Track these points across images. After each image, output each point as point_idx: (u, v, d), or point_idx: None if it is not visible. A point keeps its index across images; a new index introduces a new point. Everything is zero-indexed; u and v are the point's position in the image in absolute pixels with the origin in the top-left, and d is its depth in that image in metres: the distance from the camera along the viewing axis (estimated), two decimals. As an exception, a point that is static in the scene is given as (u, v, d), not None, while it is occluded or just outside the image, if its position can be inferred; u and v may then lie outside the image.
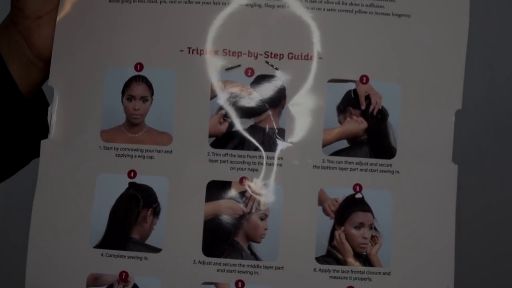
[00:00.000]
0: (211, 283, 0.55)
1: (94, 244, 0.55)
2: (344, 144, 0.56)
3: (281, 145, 0.55)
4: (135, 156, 0.56)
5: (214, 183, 0.55)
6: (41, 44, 0.56)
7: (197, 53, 0.56)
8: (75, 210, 0.56)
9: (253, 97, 0.56)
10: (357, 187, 0.56)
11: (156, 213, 0.55)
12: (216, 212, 0.55)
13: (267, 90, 0.56)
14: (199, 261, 0.55)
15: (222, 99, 0.56)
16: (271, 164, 0.55)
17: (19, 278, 0.56)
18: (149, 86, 0.56)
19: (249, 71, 0.56)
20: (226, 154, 0.55)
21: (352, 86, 0.56)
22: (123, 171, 0.56)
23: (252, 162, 0.55)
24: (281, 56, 0.56)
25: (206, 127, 0.56)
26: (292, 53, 0.56)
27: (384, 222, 0.55)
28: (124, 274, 0.55)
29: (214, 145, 0.56)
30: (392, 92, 0.56)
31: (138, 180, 0.56)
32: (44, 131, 0.57)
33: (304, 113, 0.56)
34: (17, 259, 0.59)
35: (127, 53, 0.56)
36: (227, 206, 0.55)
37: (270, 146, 0.55)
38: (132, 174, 0.56)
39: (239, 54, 0.56)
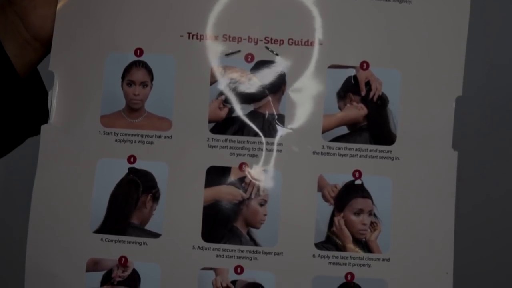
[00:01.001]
0: (210, 269, 0.55)
1: (93, 229, 0.55)
2: (344, 130, 0.56)
3: (280, 131, 0.55)
4: (135, 142, 0.56)
5: (214, 169, 0.55)
6: (38, 25, 0.56)
7: (197, 38, 0.56)
8: (75, 195, 0.56)
9: (253, 83, 0.56)
10: (357, 173, 0.55)
11: (155, 198, 0.55)
12: (216, 198, 0.55)
13: (267, 75, 0.56)
14: (199, 246, 0.55)
15: (222, 84, 0.56)
16: (271, 150, 0.55)
17: (19, 262, 0.56)
18: (149, 71, 0.56)
19: (249, 57, 0.56)
20: (226, 140, 0.55)
21: (352, 72, 0.56)
22: (123, 156, 0.56)
23: (252, 148, 0.55)
24: (281, 42, 0.56)
25: (206, 113, 0.56)
26: (292, 39, 0.56)
27: (383, 208, 0.55)
28: (123, 259, 0.55)
29: (213, 130, 0.56)
30: (392, 78, 0.56)
31: (138, 165, 0.56)
32: (38, 111, 0.57)
33: (304, 99, 0.56)
34: (18, 244, 0.59)
35: (128, 38, 0.56)
36: (227, 192, 0.55)
37: (269, 132, 0.55)
38: (131, 159, 0.56)
39: (239, 39, 0.56)
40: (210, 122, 0.56)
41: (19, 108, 0.59)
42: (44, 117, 0.57)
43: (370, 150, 0.55)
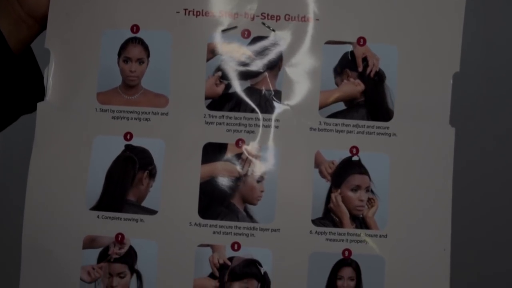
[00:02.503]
0: (207, 245, 0.55)
1: (90, 206, 0.55)
2: (341, 106, 0.56)
3: (277, 107, 0.55)
4: (131, 118, 0.56)
5: (210, 145, 0.55)
6: (32, 1, 0.56)
7: (193, 14, 0.55)
8: (71, 172, 0.56)
9: (250, 59, 0.55)
10: (354, 150, 0.55)
11: (152, 175, 0.55)
12: (212, 174, 0.55)
13: (263, 51, 0.55)
14: (195, 223, 0.55)
15: (218, 60, 0.55)
16: (268, 126, 0.55)
17: (16, 240, 0.56)
18: (145, 48, 0.56)
19: (245, 33, 0.56)
20: (223, 116, 0.55)
21: (349, 48, 0.56)
22: (119, 133, 0.56)
23: (249, 124, 0.55)
24: (278, 18, 0.55)
25: (202, 89, 0.55)
26: (288, 15, 0.55)
27: (380, 184, 0.55)
28: (120, 236, 0.55)
29: (210, 107, 0.55)
30: (389, 54, 0.56)
31: (134, 142, 0.56)
32: (31, 88, 0.56)
33: (301, 75, 0.55)
34: (14, 222, 0.59)
35: (123, 15, 0.56)
36: (223, 168, 0.55)
37: (266, 108, 0.55)
38: (128, 136, 0.56)
39: (236, 15, 0.55)
40: (206, 98, 0.55)
41: (12, 85, 0.59)
42: (37, 94, 0.57)
43: (367, 126, 0.55)
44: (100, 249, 0.55)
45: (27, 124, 0.61)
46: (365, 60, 0.56)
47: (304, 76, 0.55)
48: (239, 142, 0.55)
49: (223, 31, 0.55)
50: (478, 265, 0.99)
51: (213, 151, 0.55)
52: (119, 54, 0.56)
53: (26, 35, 0.57)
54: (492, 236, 0.95)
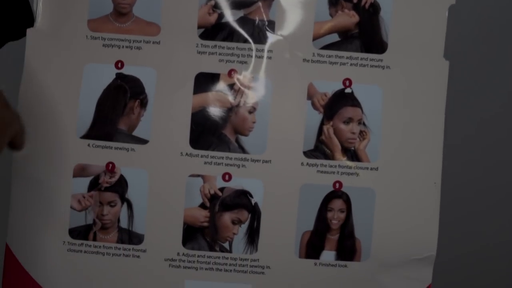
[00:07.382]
0: (198, 176, 0.55)
1: (80, 135, 0.55)
2: (335, 37, 0.55)
3: (271, 37, 0.55)
4: (123, 47, 0.55)
5: (203, 75, 0.55)
6: None
7: None
8: (61, 100, 0.55)
9: (243, -12, 0.55)
10: (347, 82, 0.55)
11: (143, 104, 0.55)
12: (204, 105, 0.55)
13: (257, -20, 0.55)
14: (186, 153, 0.55)
15: (211, -11, 0.55)
16: (261, 57, 0.54)
17: (5, 169, 0.56)
18: (137, -25, 0.55)
19: (239, -40, 0.55)
20: (215, 46, 0.55)
21: (344, -22, 0.55)
22: (110, 62, 0.55)
23: (241, 54, 0.54)
24: None
25: (195, 18, 0.55)
26: None
27: (373, 117, 0.55)
28: (111, 165, 0.55)
29: (203, 36, 0.55)
30: (385, -15, 0.55)
31: (126, 71, 0.55)
32: (18, 14, 0.55)
33: (295, 5, 0.55)
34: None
35: None
36: (215, 99, 0.55)
37: (259, 38, 0.54)
38: (119, 65, 0.55)
39: None
40: (199, 27, 0.55)
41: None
42: (23, 21, 0.55)
43: (361, 59, 0.55)
44: (90, 178, 0.55)
45: (16, 52, 0.59)
46: (360, -10, 0.55)
47: (298, 6, 0.55)
48: (231, 73, 0.55)
49: (217, -42, 0.54)
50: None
51: (205, 81, 0.55)
52: (111, -19, 0.55)
53: None
54: (485, 170, 0.94)
